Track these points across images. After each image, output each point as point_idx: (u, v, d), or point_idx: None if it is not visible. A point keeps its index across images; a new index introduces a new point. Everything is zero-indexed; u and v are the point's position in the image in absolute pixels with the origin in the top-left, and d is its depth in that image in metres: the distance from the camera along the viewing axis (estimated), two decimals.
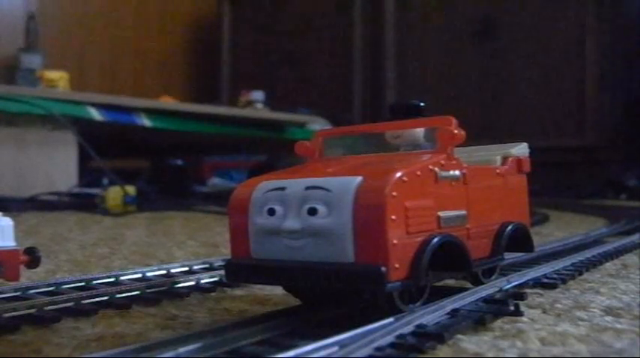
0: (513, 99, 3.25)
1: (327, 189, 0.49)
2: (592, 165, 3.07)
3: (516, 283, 0.66)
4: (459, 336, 0.48)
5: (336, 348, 0.42)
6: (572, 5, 3.13)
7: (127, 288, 0.67)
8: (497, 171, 0.64)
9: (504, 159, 0.66)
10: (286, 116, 3.06)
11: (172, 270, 0.79)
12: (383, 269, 0.47)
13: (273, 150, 3.24)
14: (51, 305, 0.60)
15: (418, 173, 0.51)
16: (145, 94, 3.21)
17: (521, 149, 0.68)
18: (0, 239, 0.57)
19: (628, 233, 1.21)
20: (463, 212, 0.56)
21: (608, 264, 0.86)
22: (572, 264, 0.79)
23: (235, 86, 3.91)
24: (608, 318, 0.55)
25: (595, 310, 0.58)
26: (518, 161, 0.67)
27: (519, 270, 0.72)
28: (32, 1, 3.47)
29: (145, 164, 3.35)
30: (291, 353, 0.41)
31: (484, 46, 3.33)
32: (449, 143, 0.56)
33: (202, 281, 0.74)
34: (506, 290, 0.62)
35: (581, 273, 0.76)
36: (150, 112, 2.54)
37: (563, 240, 1.07)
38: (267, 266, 0.52)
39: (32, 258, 0.60)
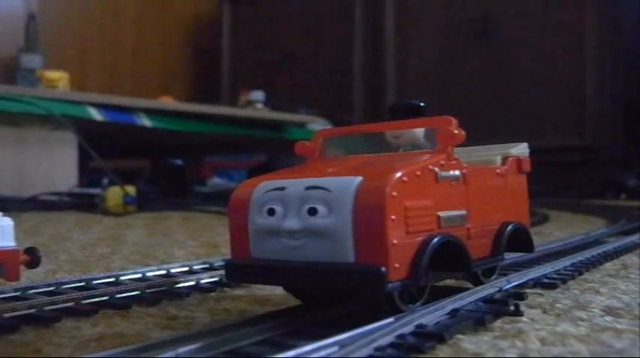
0: (513, 100, 3.24)
1: (327, 189, 0.49)
2: (592, 166, 3.07)
3: (516, 283, 0.66)
4: (459, 336, 0.48)
5: (336, 348, 0.42)
6: (572, 5, 3.13)
7: (127, 288, 0.67)
8: (497, 171, 0.64)
9: (504, 159, 0.66)
10: (286, 116, 3.06)
11: (172, 270, 0.79)
12: (383, 269, 0.47)
13: (273, 150, 3.24)
14: (51, 305, 0.60)
15: (418, 173, 0.51)
16: (145, 94, 3.21)
17: (521, 149, 0.68)
18: (0, 239, 0.57)
19: (628, 233, 1.21)
20: (463, 212, 0.56)
21: (608, 264, 0.86)
22: (572, 264, 0.79)
23: (235, 86, 3.91)
24: (608, 318, 0.55)
25: (595, 310, 0.58)
26: (518, 161, 0.67)
27: (519, 270, 0.72)
28: (32, 1, 3.46)
29: (145, 164, 3.35)
30: (291, 353, 0.41)
31: (484, 46, 3.33)
32: (449, 143, 0.56)
33: (202, 281, 0.74)
34: (506, 290, 0.62)
35: (581, 273, 0.76)
36: (150, 112, 2.54)
37: (563, 240, 1.07)
38: (267, 266, 0.52)
39: (32, 258, 0.59)
